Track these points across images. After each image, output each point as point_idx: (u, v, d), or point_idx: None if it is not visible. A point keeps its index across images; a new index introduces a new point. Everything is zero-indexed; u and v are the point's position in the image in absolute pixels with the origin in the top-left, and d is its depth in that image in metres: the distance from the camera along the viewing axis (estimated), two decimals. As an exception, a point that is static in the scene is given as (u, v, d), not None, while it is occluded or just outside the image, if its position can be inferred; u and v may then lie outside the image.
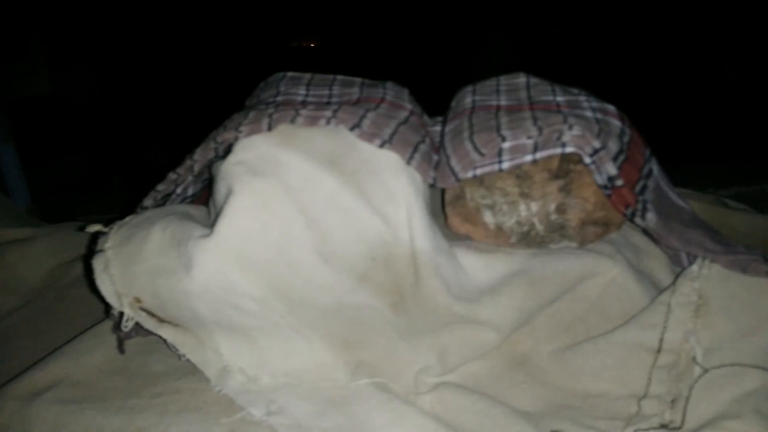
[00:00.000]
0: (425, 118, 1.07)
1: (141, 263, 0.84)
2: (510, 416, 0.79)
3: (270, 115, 0.88)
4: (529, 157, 0.85)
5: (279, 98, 0.98)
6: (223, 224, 0.82)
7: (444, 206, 0.95)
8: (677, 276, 0.85)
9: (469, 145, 0.88)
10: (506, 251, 0.92)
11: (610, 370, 0.83)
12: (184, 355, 0.86)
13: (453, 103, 1.05)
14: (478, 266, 0.91)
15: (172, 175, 0.95)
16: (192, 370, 0.88)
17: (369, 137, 0.87)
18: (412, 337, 0.87)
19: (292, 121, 0.88)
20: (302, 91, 1.01)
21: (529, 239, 0.91)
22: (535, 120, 0.87)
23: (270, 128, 0.88)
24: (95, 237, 0.91)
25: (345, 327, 0.87)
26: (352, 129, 0.88)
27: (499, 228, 0.91)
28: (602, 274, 0.88)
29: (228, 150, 0.89)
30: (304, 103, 0.96)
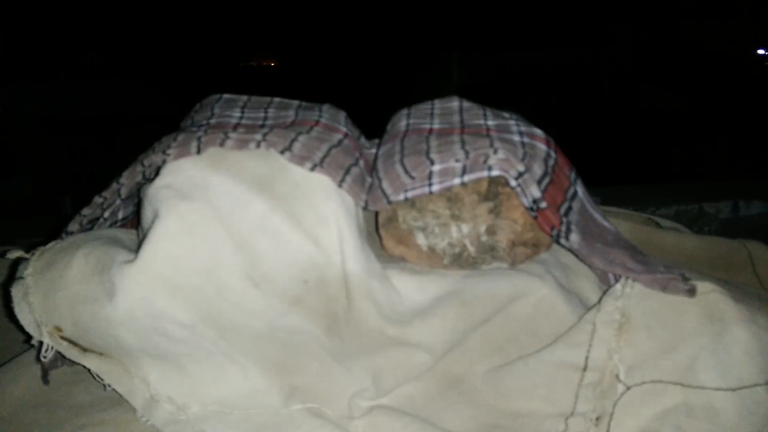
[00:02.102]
0: (362, 140, 1.07)
1: (62, 290, 0.81)
2: None
3: (199, 138, 0.87)
4: (457, 180, 0.87)
5: (212, 120, 0.98)
6: (148, 249, 0.80)
7: (377, 228, 0.96)
8: (602, 295, 0.87)
9: (399, 168, 0.89)
10: (439, 272, 0.93)
11: (539, 388, 0.84)
12: (109, 385, 0.84)
13: (389, 126, 1.06)
14: (411, 288, 0.91)
15: (98, 199, 0.93)
16: (118, 401, 0.85)
17: (300, 160, 0.87)
18: (347, 360, 0.87)
19: (222, 144, 0.87)
20: (237, 113, 1.00)
21: (461, 260, 0.92)
22: (463, 144, 0.89)
23: (199, 151, 0.87)
24: (16, 264, 0.88)
25: (278, 351, 0.85)
26: (282, 152, 0.88)
27: (432, 250, 0.92)
28: (532, 294, 0.89)
29: (156, 173, 0.87)
30: (237, 126, 0.96)
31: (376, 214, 0.96)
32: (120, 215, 1.00)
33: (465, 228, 0.90)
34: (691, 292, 0.81)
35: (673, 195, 2.25)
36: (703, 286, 0.82)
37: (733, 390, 0.77)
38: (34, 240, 1.01)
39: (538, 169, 0.87)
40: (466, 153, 0.87)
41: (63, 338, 0.82)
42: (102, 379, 0.84)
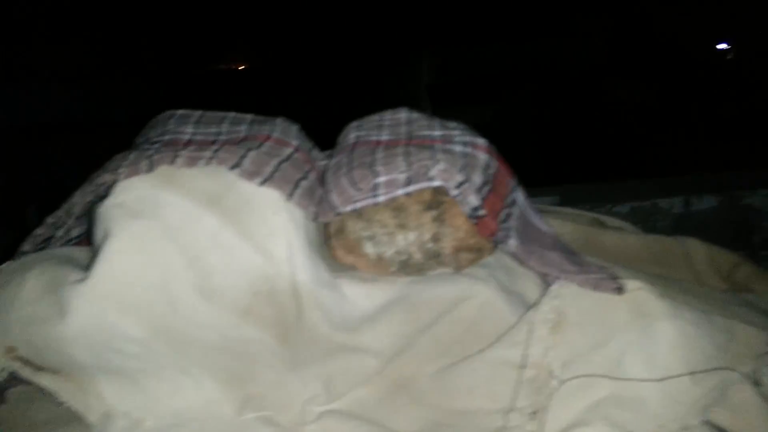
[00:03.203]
0: (314, 153, 1.11)
1: (15, 312, 0.83)
2: None
3: (149, 157, 0.90)
4: (402, 191, 0.91)
5: (166, 137, 1.00)
6: (99, 267, 0.82)
7: (328, 239, 0.99)
8: (541, 296, 0.92)
9: (346, 181, 0.93)
10: (388, 280, 0.97)
11: (482, 387, 0.89)
12: (65, 402, 0.85)
13: (339, 138, 1.10)
14: (361, 295, 0.95)
15: (50, 219, 0.95)
16: (74, 417, 0.87)
17: (249, 176, 0.91)
18: (299, 367, 0.90)
19: (172, 162, 0.90)
20: (189, 129, 1.03)
21: (408, 267, 0.97)
22: (407, 155, 0.93)
23: (150, 170, 0.89)
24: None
25: (232, 362, 0.88)
26: (232, 168, 0.91)
27: (380, 258, 0.96)
28: (476, 297, 0.94)
29: (107, 192, 0.89)
30: (189, 143, 0.98)
31: (327, 224, 1.00)
32: (74, 233, 1.02)
33: (411, 236, 0.95)
34: (620, 290, 0.87)
35: (628, 192, 2.32)
36: (632, 284, 0.88)
37: (658, 381, 0.83)
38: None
39: (477, 179, 0.91)
40: (410, 165, 0.91)
41: (17, 358, 0.84)
42: (57, 397, 0.85)
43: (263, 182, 0.91)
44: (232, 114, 1.12)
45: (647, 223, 2.25)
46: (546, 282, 1.01)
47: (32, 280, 0.84)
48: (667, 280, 1.09)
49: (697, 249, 1.21)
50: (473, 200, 0.89)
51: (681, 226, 2.23)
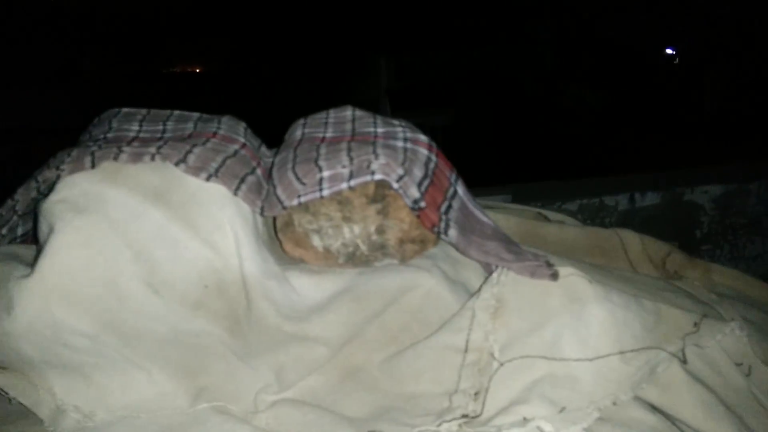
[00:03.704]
0: (262, 149, 1.13)
1: None
2: (337, 423, 0.85)
3: (92, 153, 0.90)
4: (345, 185, 0.94)
5: (110, 135, 1.00)
6: (45, 262, 0.82)
7: (276, 233, 1.01)
8: (482, 283, 0.97)
9: (291, 175, 0.95)
10: (336, 271, 0.99)
11: (428, 371, 0.92)
12: (15, 399, 0.85)
13: (286, 136, 1.12)
14: (309, 287, 0.97)
15: (-7, 217, 0.94)
16: (25, 413, 0.86)
17: (194, 171, 0.92)
18: (251, 358, 0.92)
19: (116, 158, 0.91)
20: (135, 127, 1.04)
21: (355, 259, 1.00)
22: (349, 151, 0.96)
23: (93, 165, 0.90)
24: None
25: (184, 355, 0.89)
26: (177, 164, 0.92)
27: (327, 250, 0.99)
28: (421, 286, 0.97)
29: (50, 189, 0.89)
30: (134, 140, 0.99)
31: (274, 219, 1.02)
32: (19, 231, 1.01)
33: (356, 229, 0.98)
34: (554, 276, 0.92)
35: (576, 190, 2.41)
36: (565, 270, 0.93)
37: (590, 360, 0.88)
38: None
39: (418, 172, 0.95)
40: (351, 159, 0.94)
41: (-38, 355, 0.83)
42: (7, 393, 0.85)
43: (209, 177, 0.93)
44: (177, 112, 1.12)
45: (595, 220, 2.34)
46: (488, 272, 1.06)
47: None
48: (603, 269, 1.15)
49: (631, 239, 1.27)
50: (414, 193, 0.92)
51: (627, 222, 2.34)
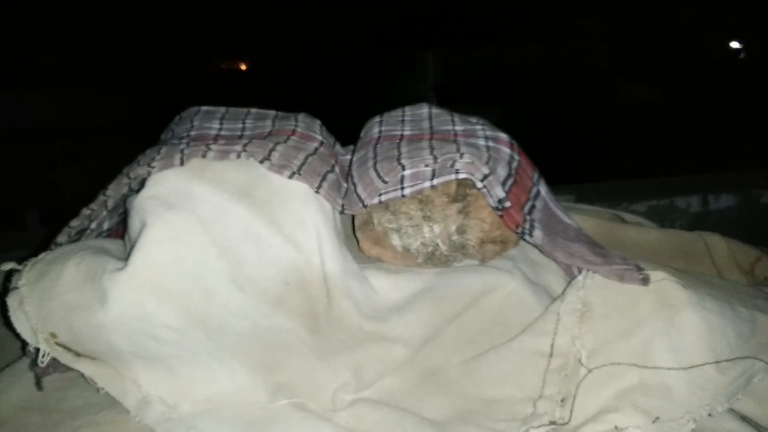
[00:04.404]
0: (337, 147, 1.13)
1: (56, 298, 0.85)
2: (419, 425, 0.84)
3: (182, 150, 0.92)
4: (427, 183, 0.92)
5: (193, 132, 1.02)
6: (137, 257, 0.84)
7: (354, 231, 1.01)
8: (566, 286, 0.94)
9: (373, 174, 0.95)
10: (414, 271, 0.98)
11: (510, 376, 0.90)
12: (102, 388, 0.88)
13: (362, 134, 1.12)
14: (387, 286, 0.96)
15: (86, 211, 0.97)
16: (111, 403, 0.89)
17: (278, 169, 0.93)
18: (329, 356, 0.92)
19: (204, 155, 0.92)
20: (216, 125, 1.05)
21: (434, 259, 0.98)
22: (431, 149, 0.95)
23: (182, 163, 0.91)
24: (9, 275, 0.92)
25: (263, 351, 0.90)
26: (262, 162, 0.93)
27: (406, 250, 0.98)
28: (501, 288, 0.95)
29: (141, 185, 0.92)
30: (217, 137, 1.00)
31: (353, 217, 1.02)
32: (105, 225, 1.04)
33: (436, 228, 0.96)
34: (645, 280, 0.88)
35: (644, 191, 2.32)
36: (656, 275, 0.89)
37: (685, 369, 0.84)
38: (8, 254, 1.04)
39: (502, 171, 0.93)
40: (435, 158, 0.93)
41: (58, 344, 0.86)
42: (95, 383, 0.88)
43: (292, 175, 0.93)
44: (254, 110, 1.14)
45: (664, 222, 2.25)
46: (569, 276, 1.03)
47: (72, 269, 0.86)
48: (689, 274, 1.10)
49: (717, 243, 1.21)
50: (498, 192, 0.90)
51: (698, 225, 2.23)
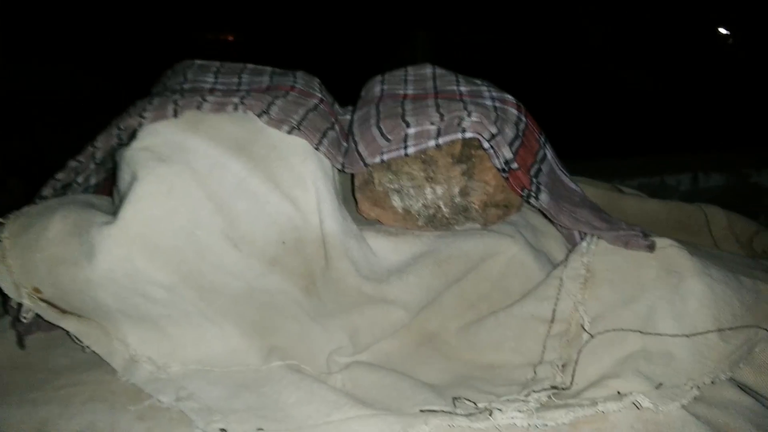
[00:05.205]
0: (336, 107, 1.09)
1: (40, 252, 0.81)
2: (416, 388, 0.82)
3: (176, 102, 0.88)
4: (432, 143, 0.89)
5: (186, 86, 0.98)
6: (128, 210, 0.80)
7: (354, 191, 0.98)
8: (569, 252, 0.92)
9: (375, 131, 0.91)
10: (414, 233, 0.96)
11: (510, 341, 0.89)
12: (88, 347, 0.84)
13: (363, 92, 1.08)
14: (387, 248, 0.94)
15: (72, 163, 0.93)
16: (98, 363, 0.86)
17: (277, 123, 0.89)
18: (325, 319, 0.89)
19: (199, 107, 0.88)
20: (210, 78, 1.01)
21: (435, 221, 0.96)
22: (437, 107, 0.92)
23: (176, 114, 0.87)
24: (-10, 229, 0.87)
25: (257, 312, 0.87)
26: (260, 115, 0.89)
27: (407, 211, 0.95)
28: (503, 253, 0.93)
29: (132, 136, 0.87)
30: (212, 90, 0.96)
31: (352, 177, 0.98)
32: (93, 181, 0.99)
33: (439, 190, 0.93)
34: (651, 247, 0.86)
35: (636, 168, 2.32)
36: (662, 242, 0.87)
37: (688, 336, 0.83)
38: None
39: (509, 132, 0.90)
40: (441, 116, 0.89)
41: (42, 300, 0.82)
42: (81, 341, 0.84)
43: (291, 130, 0.89)
44: (251, 65, 1.09)
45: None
46: (570, 243, 1.01)
47: (58, 222, 0.82)
48: (690, 245, 1.09)
49: (717, 215, 1.21)
50: (506, 153, 0.87)
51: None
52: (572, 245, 0.98)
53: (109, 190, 1.00)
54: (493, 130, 0.87)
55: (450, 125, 0.88)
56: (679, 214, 1.21)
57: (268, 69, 1.08)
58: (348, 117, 1.06)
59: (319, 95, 1.01)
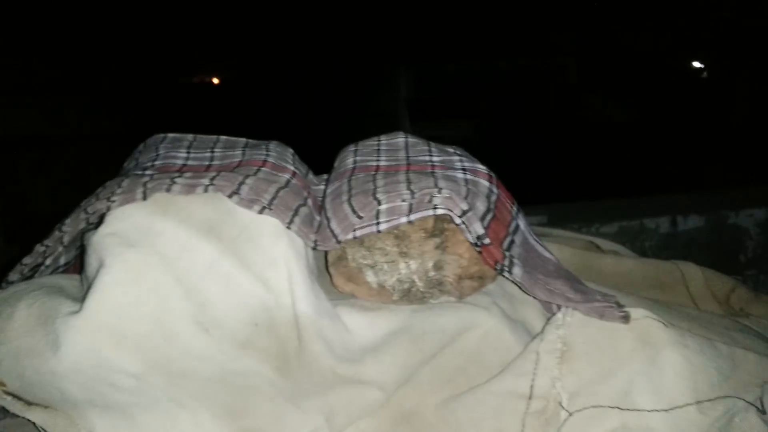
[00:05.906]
0: (310, 177, 1.09)
1: (5, 344, 0.79)
2: None
3: (145, 184, 0.87)
4: (404, 219, 0.89)
5: (157, 162, 0.97)
6: (93, 299, 0.79)
7: (327, 267, 0.97)
8: (546, 324, 0.91)
9: (347, 208, 0.91)
10: (389, 308, 0.94)
11: (489, 419, 0.87)
12: None
13: (336, 163, 1.08)
14: (362, 325, 0.92)
15: (39, 248, 0.91)
16: (65, 454, 0.83)
17: (248, 203, 0.88)
18: (300, 400, 0.87)
19: (168, 189, 0.87)
20: (182, 153, 1.00)
21: (410, 296, 0.95)
22: (408, 183, 0.92)
23: (145, 197, 0.86)
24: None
25: (230, 395, 0.85)
26: (230, 196, 0.88)
27: (381, 286, 0.94)
28: (479, 326, 0.92)
29: (100, 220, 0.86)
30: (183, 167, 0.96)
31: (326, 252, 0.97)
32: (62, 261, 0.98)
33: (413, 264, 0.93)
34: (625, 318, 0.86)
35: (615, 212, 2.33)
36: (636, 312, 0.87)
37: (666, 411, 0.82)
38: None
39: (481, 206, 0.90)
40: (412, 192, 0.89)
41: (7, 393, 0.80)
42: None
43: (262, 210, 0.89)
44: (224, 137, 1.10)
45: (635, 243, 2.26)
46: (547, 310, 1.00)
47: (23, 311, 0.80)
48: (668, 306, 1.09)
49: (693, 273, 1.21)
50: (477, 228, 0.87)
51: (668, 246, 2.26)
52: (549, 313, 0.97)
53: (79, 268, 0.98)
54: (464, 206, 0.87)
55: (421, 202, 0.89)
56: (656, 272, 1.21)
57: (242, 141, 1.08)
58: (322, 187, 1.06)
59: (292, 168, 1.01)
